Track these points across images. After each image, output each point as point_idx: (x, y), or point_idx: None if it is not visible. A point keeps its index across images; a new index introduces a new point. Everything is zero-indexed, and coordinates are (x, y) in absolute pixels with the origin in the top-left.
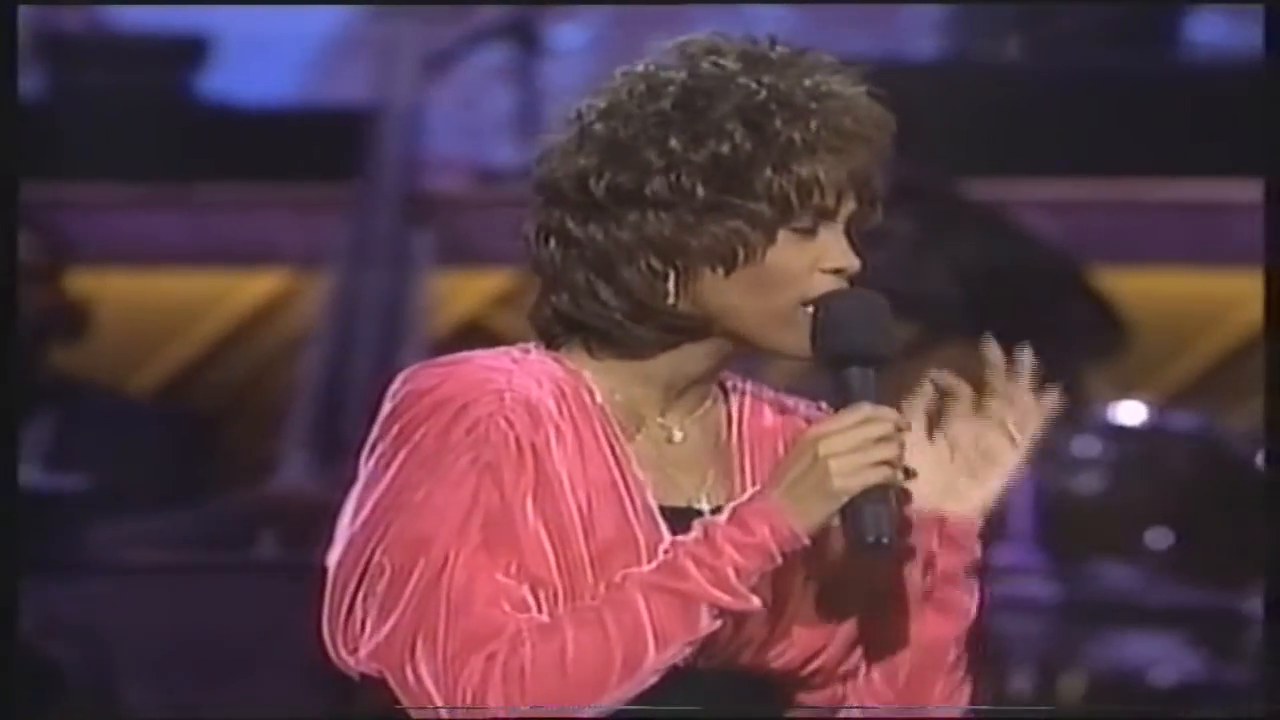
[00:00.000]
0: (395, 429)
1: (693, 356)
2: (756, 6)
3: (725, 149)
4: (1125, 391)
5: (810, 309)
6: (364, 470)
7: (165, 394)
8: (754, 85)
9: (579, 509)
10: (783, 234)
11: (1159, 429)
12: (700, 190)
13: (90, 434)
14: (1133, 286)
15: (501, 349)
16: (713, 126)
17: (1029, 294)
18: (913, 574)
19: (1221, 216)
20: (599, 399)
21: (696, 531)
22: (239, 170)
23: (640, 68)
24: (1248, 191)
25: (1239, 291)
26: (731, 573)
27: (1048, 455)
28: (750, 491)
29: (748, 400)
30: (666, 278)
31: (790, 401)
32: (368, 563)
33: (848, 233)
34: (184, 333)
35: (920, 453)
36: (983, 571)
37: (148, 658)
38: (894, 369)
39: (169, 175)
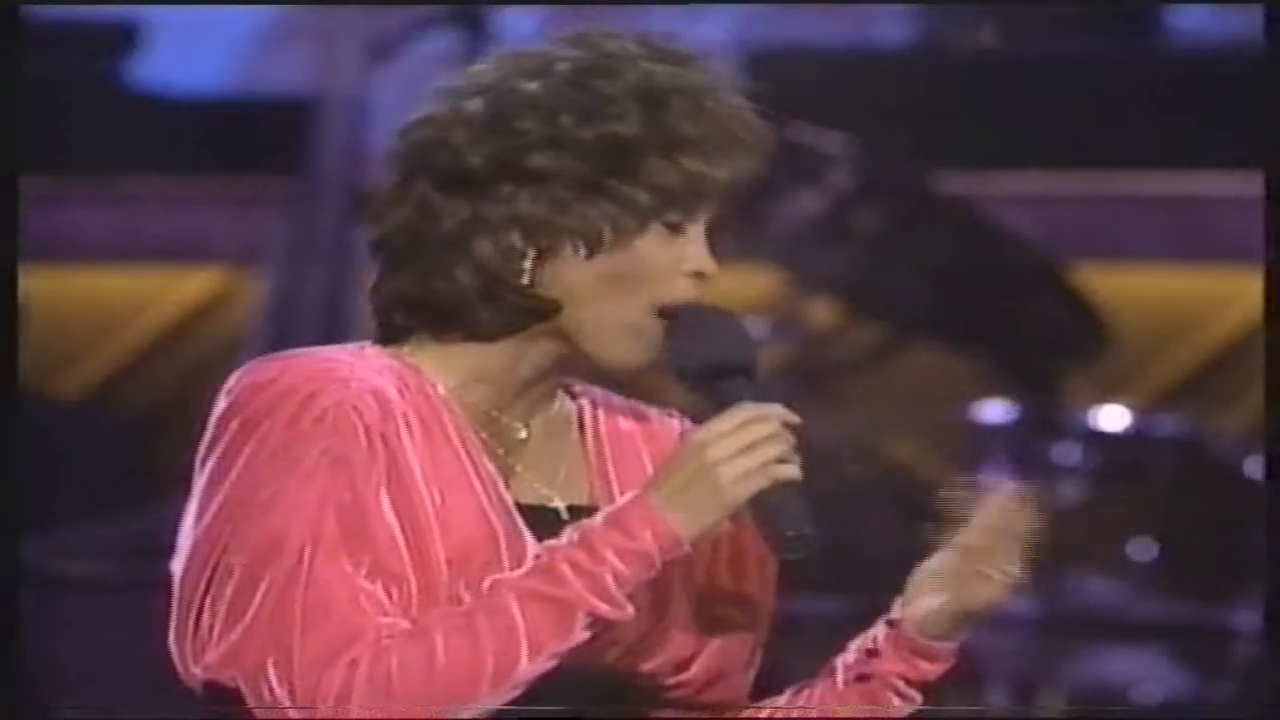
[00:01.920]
0: (235, 424)
1: (534, 347)
2: None
3: (615, 129)
4: (1106, 395)
5: (658, 322)
6: (203, 471)
7: (94, 399)
8: (655, 69)
9: (433, 504)
10: (654, 226)
11: (1142, 434)
12: (583, 170)
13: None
14: (1113, 285)
15: (333, 346)
16: (607, 104)
17: (1004, 293)
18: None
19: (1207, 211)
20: (441, 392)
21: (572, 535)
22: (170, 163)
23: (523, 49)
24: (1234, 185)
25: (1226, 289)
26: (611, 580)
27: (1026, 462)
28: (627, 496)
29: (598, 403)
30: (525, 255)
31: (641, 407)
32: (215, 565)
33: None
34: (113, 334)
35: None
36: (931, 691)
37: (78, 675)
38: (861, 372)
39: (96, 167)
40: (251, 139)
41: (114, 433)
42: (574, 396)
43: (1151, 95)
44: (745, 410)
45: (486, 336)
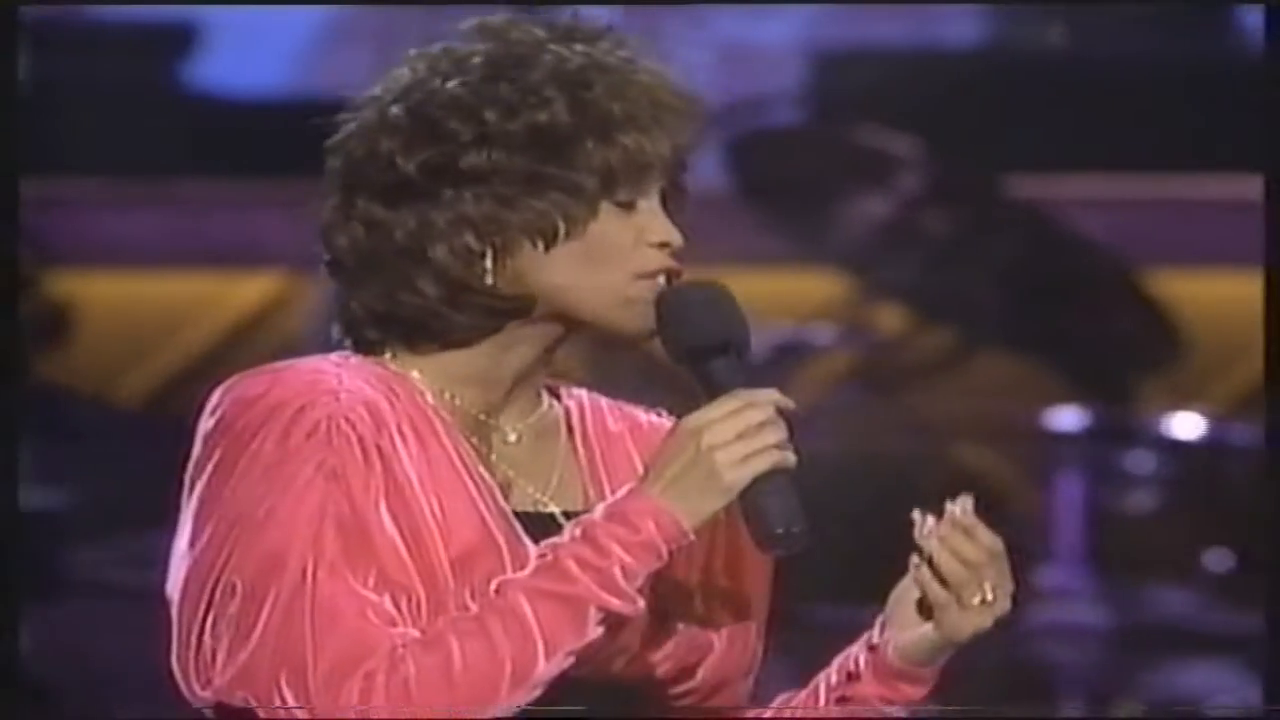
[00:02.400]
0: (226, 442)
1: (514, 346)
2: None
3: (543, 117)
4: (1180, 402)
5: (648, 286)
6: (194, 491)
7: (152, 405)
8: (568, 52)
9: (432, 514)
10: (604, 206)
11: (1217, 443)
12: (517, 162)
13: (73, 448)
14: (1187, 290)
15: (318, 356)
16: (529, 94)
17: (1075, 298)
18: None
19: None
20: (430, 399)
21: (574, 531)
22: (228, 165)
23: (436, 47)
24: None
25: None
26: (619, 573)
27: (1099, 471)
28: (624, 488)
29: (585, 405)
30: (484, 255)
31: (628, 408)
32: (215, 586)
33: (665, 211)
34: (171, 339)
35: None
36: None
37: (138, 684)
38: (930, 379)
39: (152, 171)
40: (309, 141)
41: (172, 439)
42: (560, 399)
43: (1224, 97)
44: (739, 395)
45: (464, 342)
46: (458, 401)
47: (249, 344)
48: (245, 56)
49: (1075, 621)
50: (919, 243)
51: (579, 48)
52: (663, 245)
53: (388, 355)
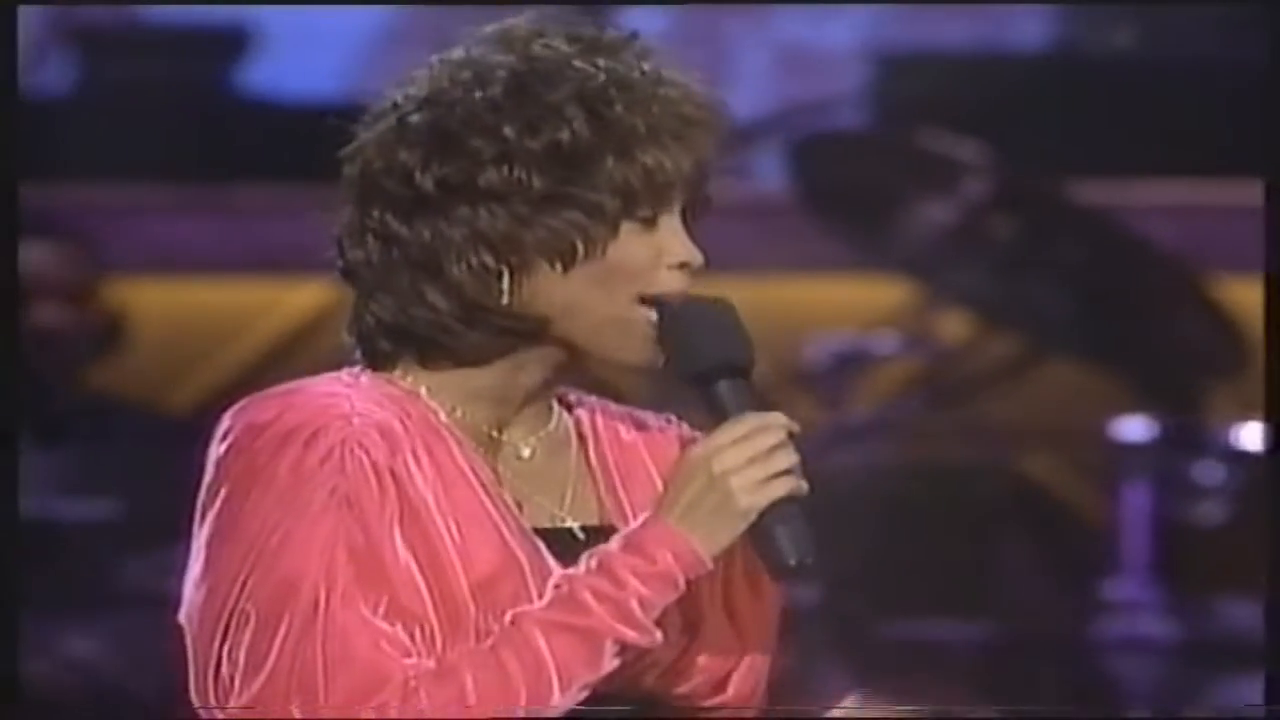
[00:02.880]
0: (239, 467)
1: (526, 366)
2: None
3: (564, 136)
4: (1250, 413)
5: (649, 312)
6: (206, 518)
7: (204, 413)
8: (591, 69)
9: (450, 538)
10: (625, 226)
11: None
12: (537, 180)
13: (123, 457)
14: (1256, 297)
15: (328, 375)
16: (550, 112)
17: (1143, 306)
18: None
19: None
20: (443, 418)
21: (590, 562)
22: (282, 171)
23: (459, 54)
24: None
25: None
26: (636, 605)
27: (1166, 483)
28: (641, 518)
29: (596, 414)
30: (500, 275)
31: (639, 414)
32: (231, 613)
33: (686, 225)
34: (224, 347)
35: None
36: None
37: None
38: (996, 388)
39: (206, 177)
40: None
41: None
42: (570, 409)
43: None
44: (749, 420)
45: (476, 360)
46: (469, 419)
47: (303, 352)
48: (300, 59)
49: (1142, 634)
50: (984, 249)
51: (602, 62)
52: (682, 265)
53: (398, 372)
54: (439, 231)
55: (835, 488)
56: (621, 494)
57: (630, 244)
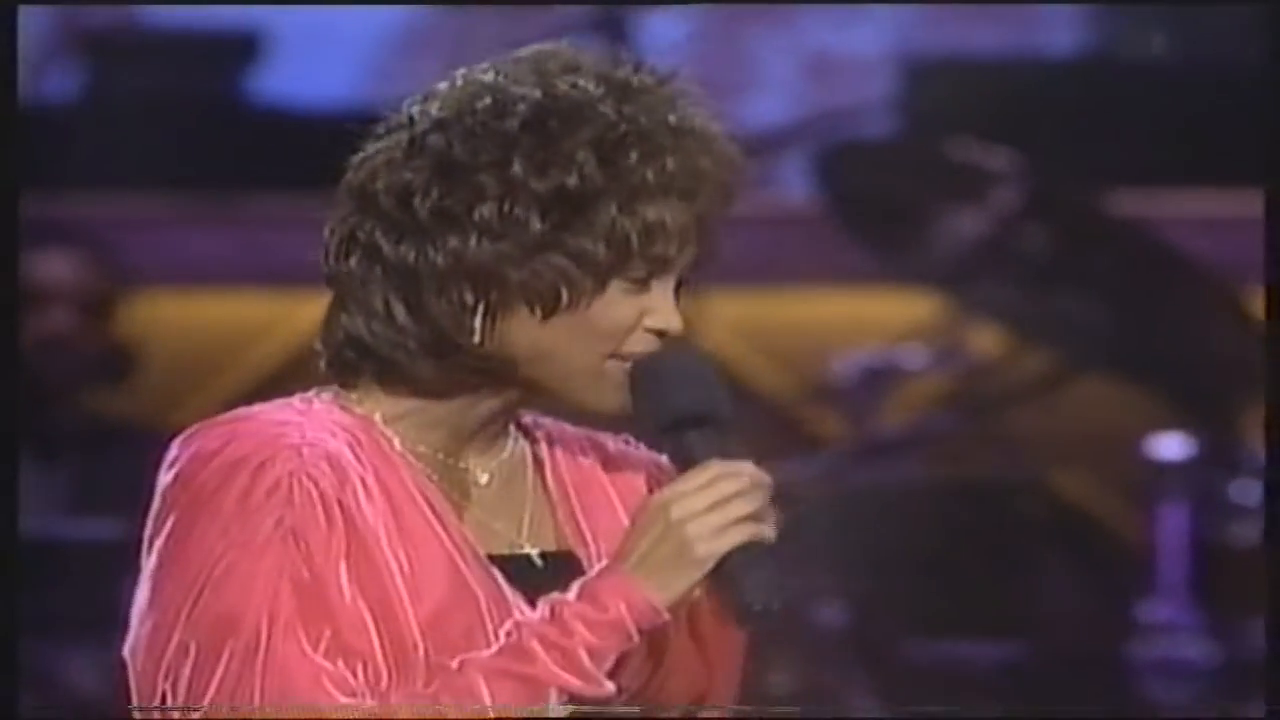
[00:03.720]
0: (186, 497)
1: (485, 400)
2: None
3: (571, 181)
4: None
5: (622, 363)
6: (153, 548)
7: None
8: (613, 115)
9: (400, 571)
10: (615, 283)
11: None
12: (535, 223)
13: (131, 475)
14: None
15: (281, 400)
16: (562, 155)
17: (1181, 321)
18: None
19: None
20: (397, 445)
21: (544, 609)
22: (295, 181)
23: (488, 77)
24: None
25: None
26: (584, 655)
27: (1202, 501)
28: (599, 566)
29: (554, 437)
30: (476, 313)
31: (597, 436)
32: (172, 646)
33: (679, 285)
34: (234, 363)
35: None
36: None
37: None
38: (1028, 404)
39: (217, 186)
40: None
41: None
42: (526, 432)
43: None
44: (712, 467)
45: (434, 393)
46: (424, 446)
47: (315, 369)
48: (316, 65)
49: (1179, 657)
50: (1015, 260)
51: (627, 109)
52: (660, 333)
53: (355, 396)
54: (425, 257)
55: (863, 506)
56: (580, 518)
57: (616, 302)
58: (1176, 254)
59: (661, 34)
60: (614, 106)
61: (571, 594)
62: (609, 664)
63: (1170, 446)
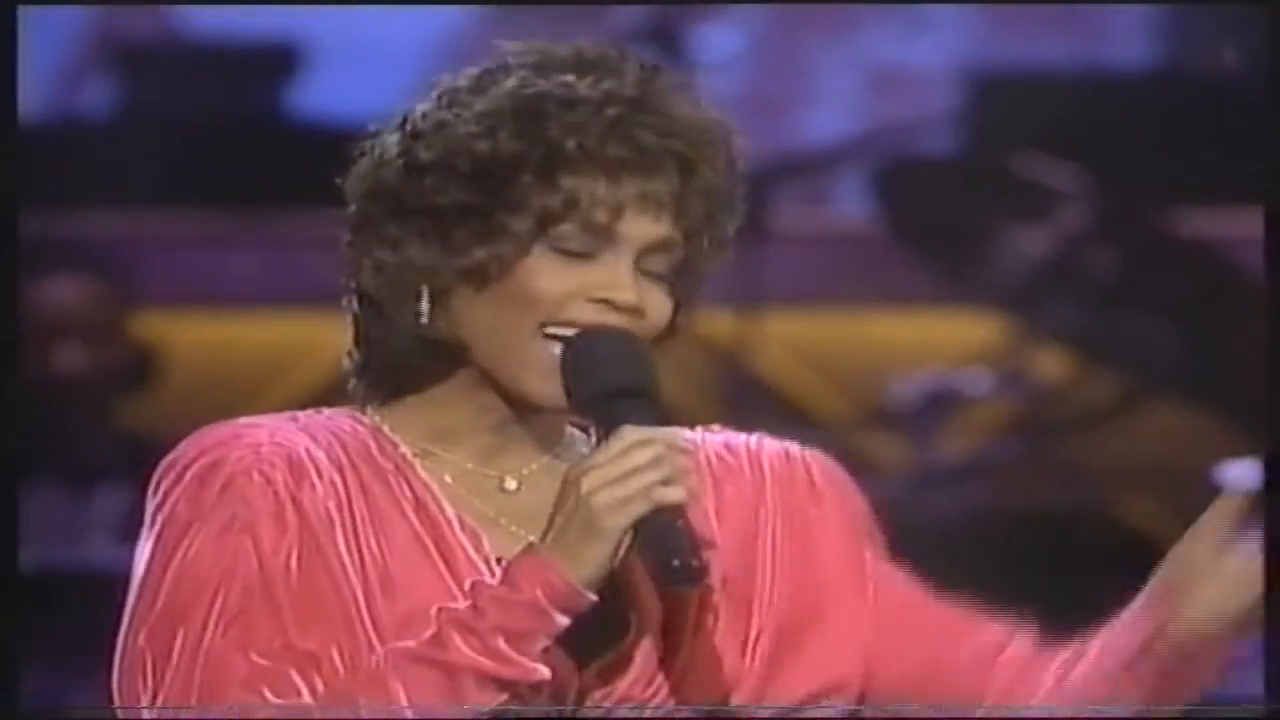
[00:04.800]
0: (153, 506)
1: (473, 392)
2: (936, 7)
3: (485, 148)
4: None
5: (553, 346)
6: (136, 558)
7: None
8: (542, 85)
9: (375, 569)
10: (540, 251)
11: None
12: (458, 194)
13: None
14: None
15: (287, 413)
16: (474, 124)
17: (1251, 343)
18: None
19: None
20: (403, 450)
21: (468, 596)
22: (331, 198)
23: (448, 78)
24: None
25: None
26: (500, 639)
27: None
28: (521, 545)
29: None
30: (419, 295)
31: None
32: (132, 654)
33: (688, 267)
34: (269, 386)
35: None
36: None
37: None
38: (1095, 429)
39: (249, 203)
40: None
41: None
42: (589, 436)
43: None
44: (625, 436)
45: (414, 385)
46: (438, 451)
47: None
48: (354, 79)
49: (1247, 693)
50: (1082, 282)
51: (561, 78)
52: (604, 301)
53: (369, 408)
54: (368, 250)
55: (923, 533)
56: None
57: (543, 270)
58: (1248, 275)
59: (717, 46)
60: (546, 77)
61: (496, 575)
62: (535, 646)
63: (1240, 474)
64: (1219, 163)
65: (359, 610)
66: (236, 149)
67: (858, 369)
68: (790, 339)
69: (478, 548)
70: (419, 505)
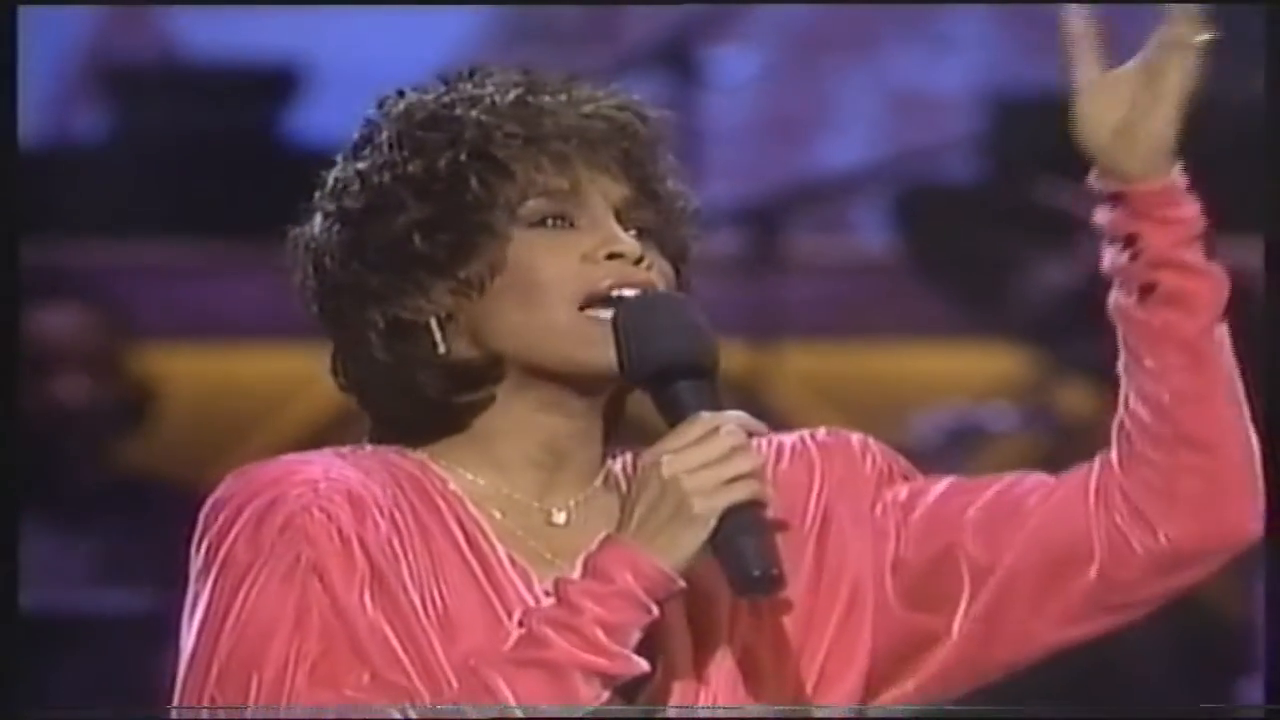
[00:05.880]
0: (204, 548)
1: (515, 415)
2: (959, 26)
3: (417, 167)
4: None
5: (600, 313)
6: (188, 601)
7: None
8: (437, 98)
9: (435, 610)
10: (520, 234)
11: None
12: (416, 215)
13: (158, 543)
14: None
15: (331, 448)
16: (402, 149)
17: None
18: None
19: None
20: (453, 486)
21: (552, 594)
22: None
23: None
24: None
25: None
26: (599, 632)
27: None
28: (600, 536)
29: (630, 466)
30: (429, 329)
31: None
32: (197, 702)
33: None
34: (268, 420)
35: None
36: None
37: None
38: None
39: (251, 233)
40: None
41: None
42: (623, 466)
43: None
44: (703, 419)
45: (463, 424)
46: (483, 483)
47: (356, 425)
48: (358, 103)
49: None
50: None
51: (467, 84)
52: (612, 256)
53: (412, 443)
54: (360, 319)
55: None
56: None
57: (533, 249)
58: None
59: (733, 68)
60: (460, 83)
61: (577, 572)
62: (632, 638)
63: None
64: (1251, 190)
65: (433, 650)
66: (231, 176)
67: (877, 404)
68: (806, 372)
69: (528, 586)
70: (471, 543)
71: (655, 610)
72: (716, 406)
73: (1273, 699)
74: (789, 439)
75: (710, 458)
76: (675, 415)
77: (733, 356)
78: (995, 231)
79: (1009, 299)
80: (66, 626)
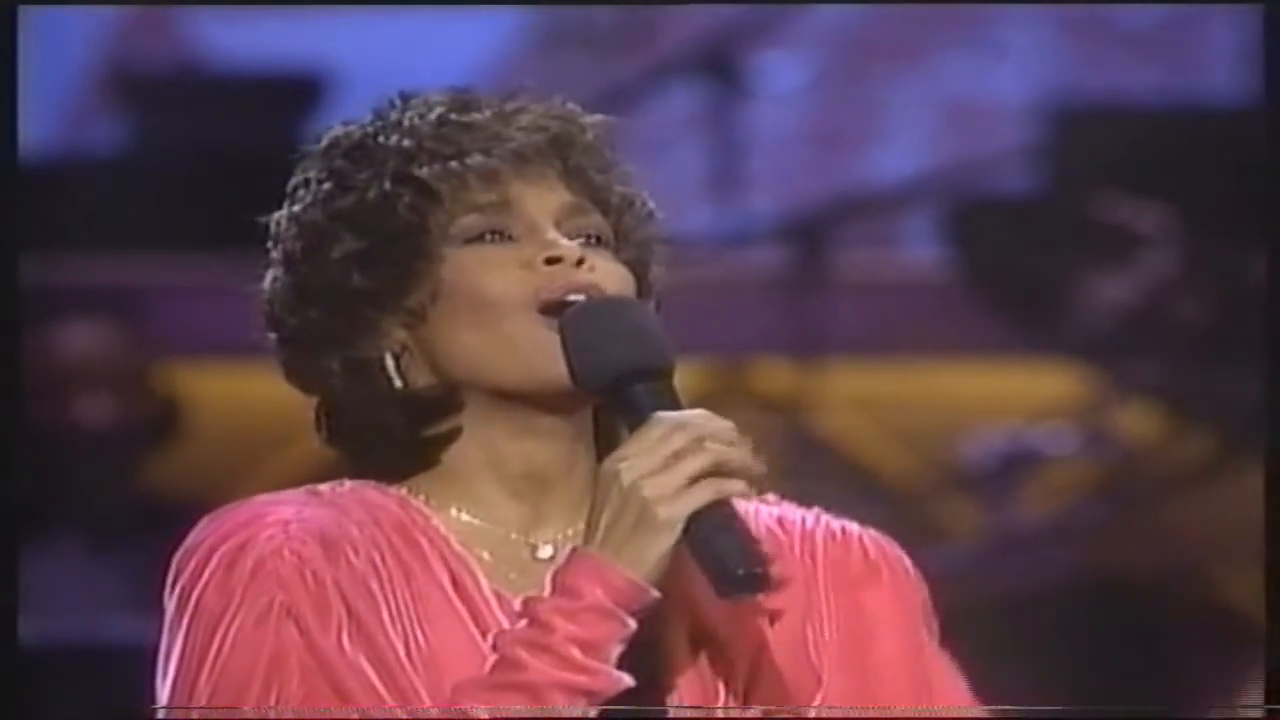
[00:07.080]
0: (176, 595)
1: (488, 446)
2: (1017, 31)
3: (346, 202)
4: None
5: (547, 321)
6: (161, 653)
7: None
8: (373, 124)
9: (416, 648)
10: (455, 253)
11: None
12: (351, 248)
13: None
14: None
15: (307, 486)
16: (326, 185)
17: None
18: None
19: None
20: (435, 523)
21: (523, 615)
22: None
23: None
24: None
25: None
26: (574, 650)
27: None
28: (565, 551)
29: None
30: (383, 365)
31: None
32: None
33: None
34: (296, 438)
35: None
36: None
37: None
38: (1187, 491)
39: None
40: None
41: None
42: None
43: None
44: (660, 421)
45: (434, 459)
46: (466, 518)
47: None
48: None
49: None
50: (1171, 331)
51: (395, 110)
52: (551, 261)
53: (391, 479)
54: (311, 360)
55: (1000, 604)
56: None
57: (472, 266)
58: None
59: (777, 76)
60: (385, 113)
61: (546, 590)
62: (611, 652)
63: None
64: (1251, 194)
65: (415, 691)
66: (258, 189)
67: (928, 426)
68: (854, 394)
69: (504, 618)
70: (456, 582)
71: (631, 623)
72: (675, 406)
73: (1273, 699)
74: (837, 523)
75: (668, 461)
76: (632, 421)
77: (777, 377)
78: (1052, 247)
79: (1066, 317)
80: (83, 656)
